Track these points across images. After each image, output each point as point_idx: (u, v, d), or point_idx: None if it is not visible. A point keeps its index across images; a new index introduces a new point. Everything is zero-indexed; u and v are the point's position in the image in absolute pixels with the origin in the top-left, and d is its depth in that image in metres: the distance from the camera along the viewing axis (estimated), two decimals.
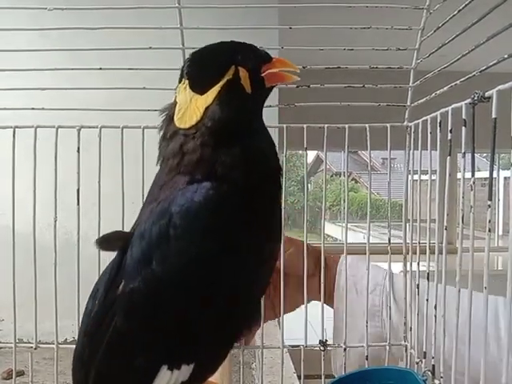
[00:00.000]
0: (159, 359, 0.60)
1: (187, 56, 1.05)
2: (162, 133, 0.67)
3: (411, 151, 1.05)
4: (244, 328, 0.66)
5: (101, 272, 1.00)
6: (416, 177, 1.04)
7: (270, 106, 1.19)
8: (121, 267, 0.62)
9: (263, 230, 0.63)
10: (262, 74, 0.67)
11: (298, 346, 1.07)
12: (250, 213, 0.60)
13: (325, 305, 1.05)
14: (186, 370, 0.61)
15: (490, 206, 0.69)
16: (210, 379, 0.85)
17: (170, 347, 0.60)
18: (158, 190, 0.64)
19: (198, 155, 0.61)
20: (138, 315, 0.60)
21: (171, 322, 0.59)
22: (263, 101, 0.70)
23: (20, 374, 1.62)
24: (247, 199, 0.60)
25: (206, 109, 0.62)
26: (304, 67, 1.01)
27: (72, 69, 1.04)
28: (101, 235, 0.66)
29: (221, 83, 0.62)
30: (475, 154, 0.74)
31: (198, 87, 0.63)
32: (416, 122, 1.02)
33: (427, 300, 0.91)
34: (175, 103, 0.66)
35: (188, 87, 0.64)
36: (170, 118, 0.66)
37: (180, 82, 0.67)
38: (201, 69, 0.65)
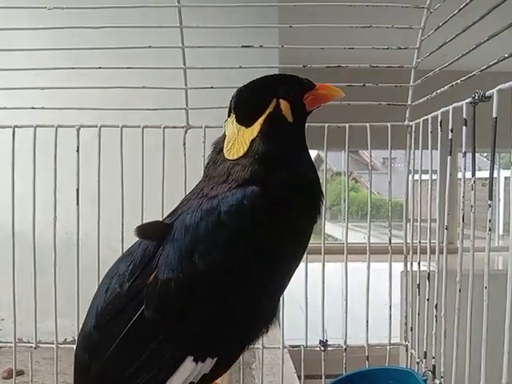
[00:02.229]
0: (186, 350, 0.63)
1: (186, 55, 1.05)
2: (211, 159, 0.72)
3: (412, 150, 1.05)
4: (265, 327, 0.68)
5: (101, 271, 1.01)
6: (417, 176, 1.04)
7: None
8: (154, 257, 0.64)
9: (297, 239, 0.68)
10: (304, 100, 0.71)
11: (299, 346, 1.07)
12: (290, 223, 0.65)
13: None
14: (209, 363, 0.63)
15: (490, 205, 0.69)
16: None
17: (198, 339, 0.62)
18: (211, 188, 0.68)
19: (248, 174, 0.66)
20: (170, 306, 0.62)
21: (204, 314, 0.62)
22: (304, 124, 0.74)
23: (20, 373, 1.62)
24: (289, 212, 0.65)
25: (252, 141, 0.67)
26: (304, 66, 1.01)
27: (72, 68, 1.03)
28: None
29: (263, 116, 0.68)
30: (475, 154, 0.74)
31: (244, 120, 0.69)
32: (417, 121, 1.02)
33: (428, 300, 0.91)
34: (224, 136, 0.71)
35: (235, 121, 0.70)
36: (220, 150, 0.71)
37: (228, 116, 0.72)
38: (246, 103, 0.71)
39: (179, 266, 0.61)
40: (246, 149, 0.67)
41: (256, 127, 0.67)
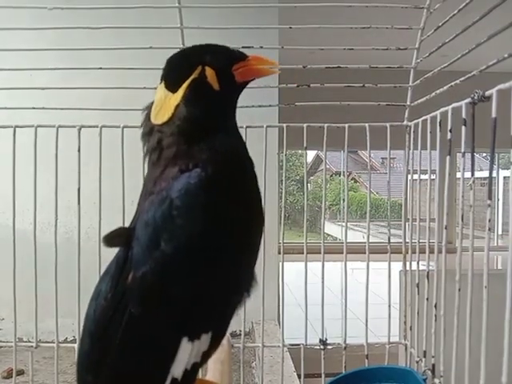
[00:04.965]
0: (179, 332, 0.64)
1: None
2: (142, 130, 0.73)
3: (411, 151, 1.05)
4: (246, 291, 0.69)
5: (102, 270, 1.01)
6: (415, 176, 1.04)
7: (270, 106, 1.19)
8: (126, 261, 0.65)
9: (246, 205, 0.69)
10: (234, 71, 0.71)
11: (298, 344, 1.07)
12: (232, 191, 0.66)
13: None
14: (205, 339, 0.64)
15: (489, 205, 0.69)
16: (210, 379, 0.85)
17: (187, 319, 0.63)
18: (153, 184, 0.69)
19: (174, 151, 0.68)
20: (153, 296, 0.63)
21: (186, 294, 0.63)
22: (236, 97, 0.74)
23: (20, 373, 1.62)
24: (227, 182, 0.66)
25: (176, 106, 0.68)
26: (304, 67, 1.02)
27: (72, 68, 1.03)
28: (105, 233, 0.68)
29: (187, 82, 0.69)
30: (474, 154, 0.74)
31: (171, 86, 0.70)
32: (416, 121, 1.02)
33: (427, 299, 0.91)
34: (153, 102, 0.72)
35: (164, 87, 0.71)
36: (148, 116, 0.72)
37: (160, 83, 0.72)
38: (173, 69, 0.72)
39: (150, 258, 0.63)
40: (170, 113, 0.68)
41: (180, 92, 0.68)
